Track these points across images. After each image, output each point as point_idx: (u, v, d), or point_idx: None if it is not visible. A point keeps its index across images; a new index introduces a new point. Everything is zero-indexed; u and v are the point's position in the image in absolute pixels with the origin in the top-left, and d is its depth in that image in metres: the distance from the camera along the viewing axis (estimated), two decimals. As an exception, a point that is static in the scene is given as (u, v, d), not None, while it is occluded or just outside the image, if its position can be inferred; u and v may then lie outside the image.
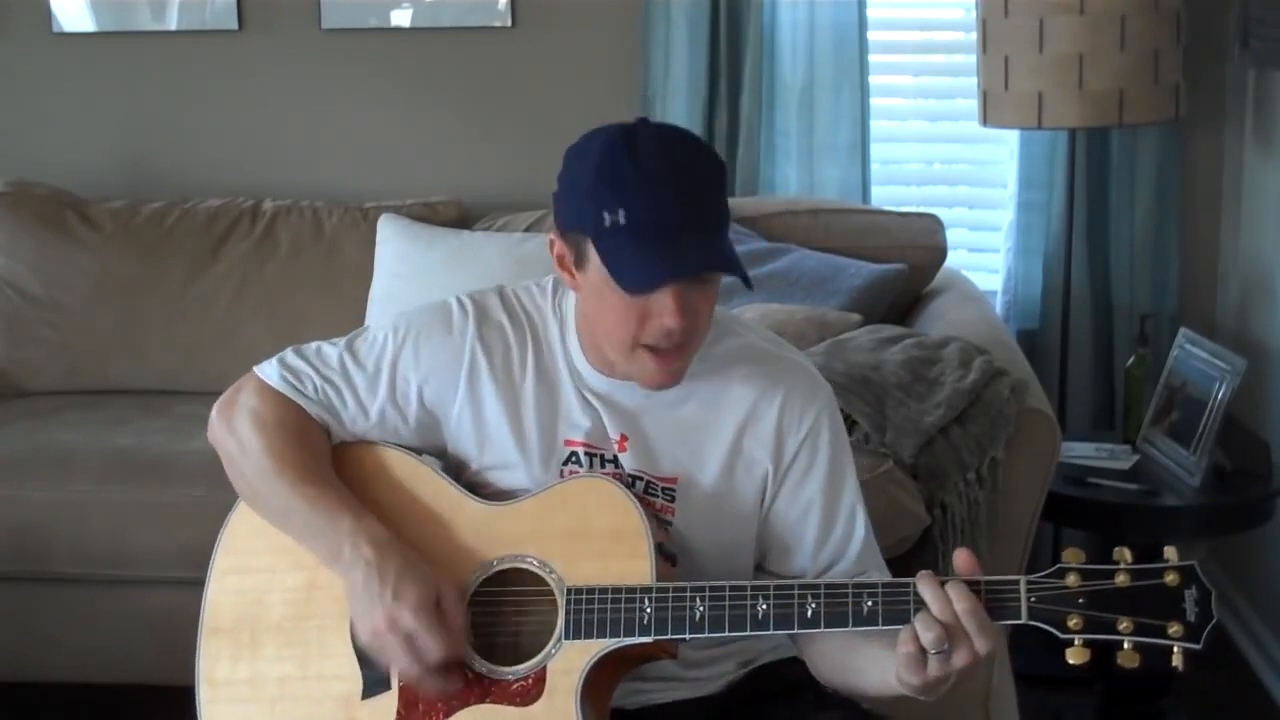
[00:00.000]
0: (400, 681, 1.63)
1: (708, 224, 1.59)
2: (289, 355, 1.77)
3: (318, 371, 1.74)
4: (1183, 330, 3.11)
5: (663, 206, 1.55)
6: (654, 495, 1.70)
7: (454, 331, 1.74)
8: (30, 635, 2.93)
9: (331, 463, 1.73)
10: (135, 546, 2.84)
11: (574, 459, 1.71)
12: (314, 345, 1.78)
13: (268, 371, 1.76)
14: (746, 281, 1.59)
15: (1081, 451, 3.00)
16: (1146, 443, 3.05)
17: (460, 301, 1.76)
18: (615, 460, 1.71)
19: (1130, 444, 3.08)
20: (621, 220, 1.54)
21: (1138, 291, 3.46)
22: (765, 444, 1.71)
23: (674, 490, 1.71)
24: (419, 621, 1.57)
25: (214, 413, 1.78)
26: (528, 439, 1.71)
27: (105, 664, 2.90)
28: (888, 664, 1.54)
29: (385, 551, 1.61)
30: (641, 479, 1.70)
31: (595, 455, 1.71)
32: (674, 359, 1.63)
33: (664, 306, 1.57)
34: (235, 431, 1.74)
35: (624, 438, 1.70)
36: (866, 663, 1.61)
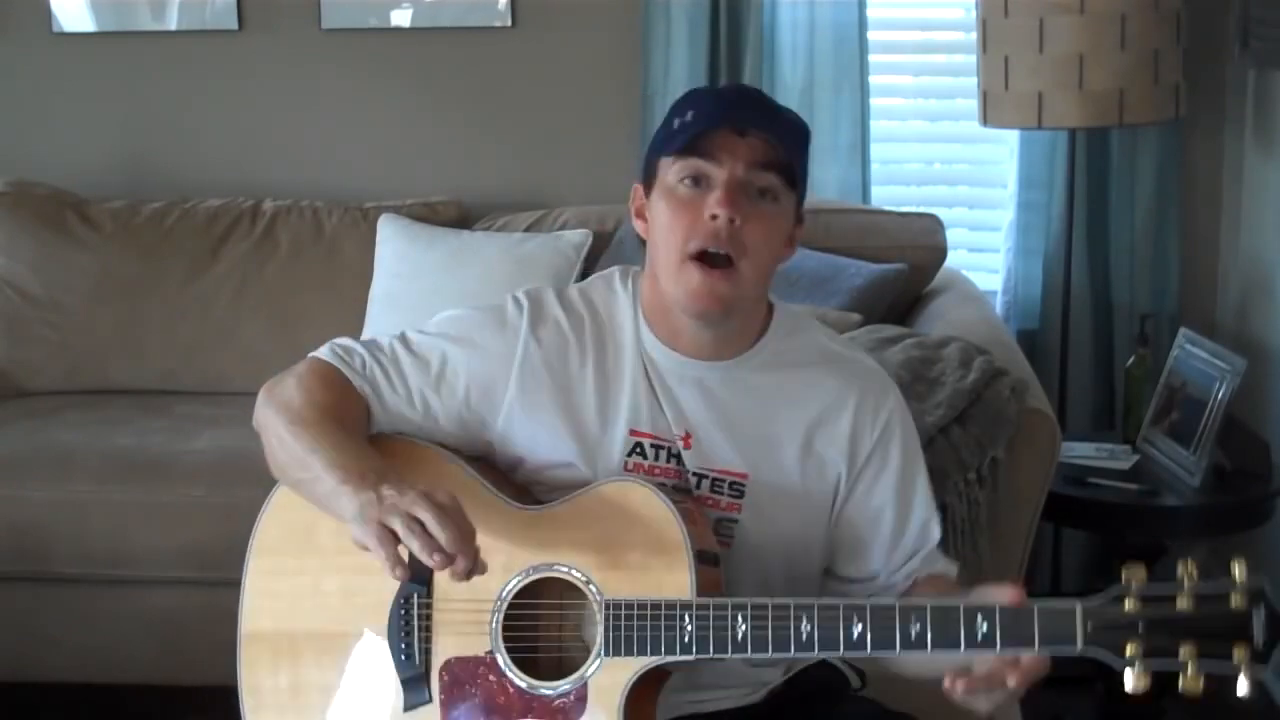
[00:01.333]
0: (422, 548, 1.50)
1: (771, 118, 1.66)
2: (340, 339, 1.78)
3: (369, 352, 1.74)
4: (1183, 330, 3.10)
5: (732, 104, 1.68)
6: (720, 493, 1.69)
7: (508, 328, 1.73)
8: (30, 635, 2.92)
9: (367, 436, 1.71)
10: (135, 546, 2.83)
11: (639, 450, 1.69)
12: (369, 337, 1.79)
13: (320, 350, 1.76)
14: (798, 174, 1.64)
15: (1081, 451, 3.00)
16: (1146, 443, 3.04)
17: (515, 299, 1.76)
18: (679, 456, 1.69)
19: (1130, 444, 3.07)
20: (689, 118, 1.63)
21: (1138, 291, 3.46)
22: (839, 445, 1.70)
23: (743, 485, 1.69)
24: (444, 493, 1.51)
25: (260, 394, 1.74)
26: (587, 433, 1.69)
27: (105, 664, 2.90)
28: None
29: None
30: (706, 476, 1.69)
31: (662, 448, 1.69)
32: (720, 277, 1.62)
33: (714, 198, 1.61)
34: (279, 394, 1.71)
35: (689, 435, 1.69)
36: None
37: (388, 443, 1.72)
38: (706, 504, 1.67)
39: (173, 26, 3.72)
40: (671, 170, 1.64)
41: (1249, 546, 3.22)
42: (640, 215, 1.72)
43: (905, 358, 2.61)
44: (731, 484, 1.69)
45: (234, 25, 3.69)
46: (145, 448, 2.98)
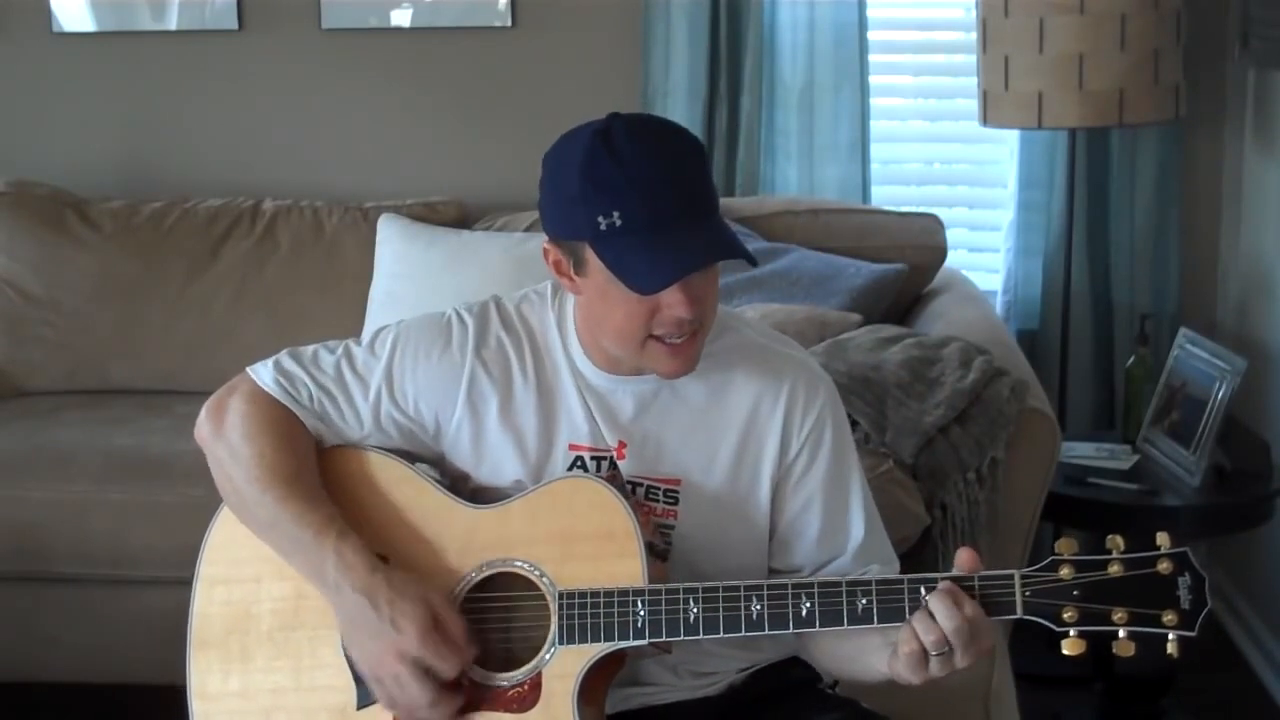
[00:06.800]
0: (405, 714, 1.60)
1: (701, 209, 1.59)
2: (284, 359, 1.75)
3: (313, 379, 1.72)
4: (1183, 330, 3.11)
5: (655, 200, 1.55)
6: (655, 500, 1.69)
7: (453, 347, 1.72)
8: (30, 635, 2.92)
9: (319, 471, 1.71)
10: (135, 546, 2.84)
11: (579, 463, 1.70)
12: (310, 350, 1.76)
13: (262, 374, 1.73)
14: (750, 260, 1.59)
15: (1081, 451, 3.00)
16: (1146, 443, 3.05)
17: (460, 316, 1.75)
18: (615, 464, 1.70)
19: (1130, 444, 3.08)
20: (617, 222, 1.55)
21: (1138, 291, 3.46)
22: (771, 441, 1.70)
23: (677, 492, 1.70)
24: (426, 647, 1.56)
25: (203, 414, 1.74)
26: (532, 451, 1.70)
27: (105, 664, 2.90)
28: (884, 653, 1.55)
29: (372, 577, 1.60)
30: (641, 484, 1.70)
31: (601, 459, 1.70)
32: (688, 346, 1.63)
33: (674, 300, 1.57)
34: (225, 437, 1.71)
35: (622, 444, 1.70)
36: (863, 653, 1.61)
37: (343, 459, 1.73)
38: (644, 509, 1.68)
39: (173, 26, 3.72)
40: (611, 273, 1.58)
41: (1249, 546, 3.22)
42: (564, 274, 1.67)
43: (905, 358, 2.61)
44: (666, 491, 1.70)
45: (234, 25, 3.69)
46: (145, 448, 2.98)
